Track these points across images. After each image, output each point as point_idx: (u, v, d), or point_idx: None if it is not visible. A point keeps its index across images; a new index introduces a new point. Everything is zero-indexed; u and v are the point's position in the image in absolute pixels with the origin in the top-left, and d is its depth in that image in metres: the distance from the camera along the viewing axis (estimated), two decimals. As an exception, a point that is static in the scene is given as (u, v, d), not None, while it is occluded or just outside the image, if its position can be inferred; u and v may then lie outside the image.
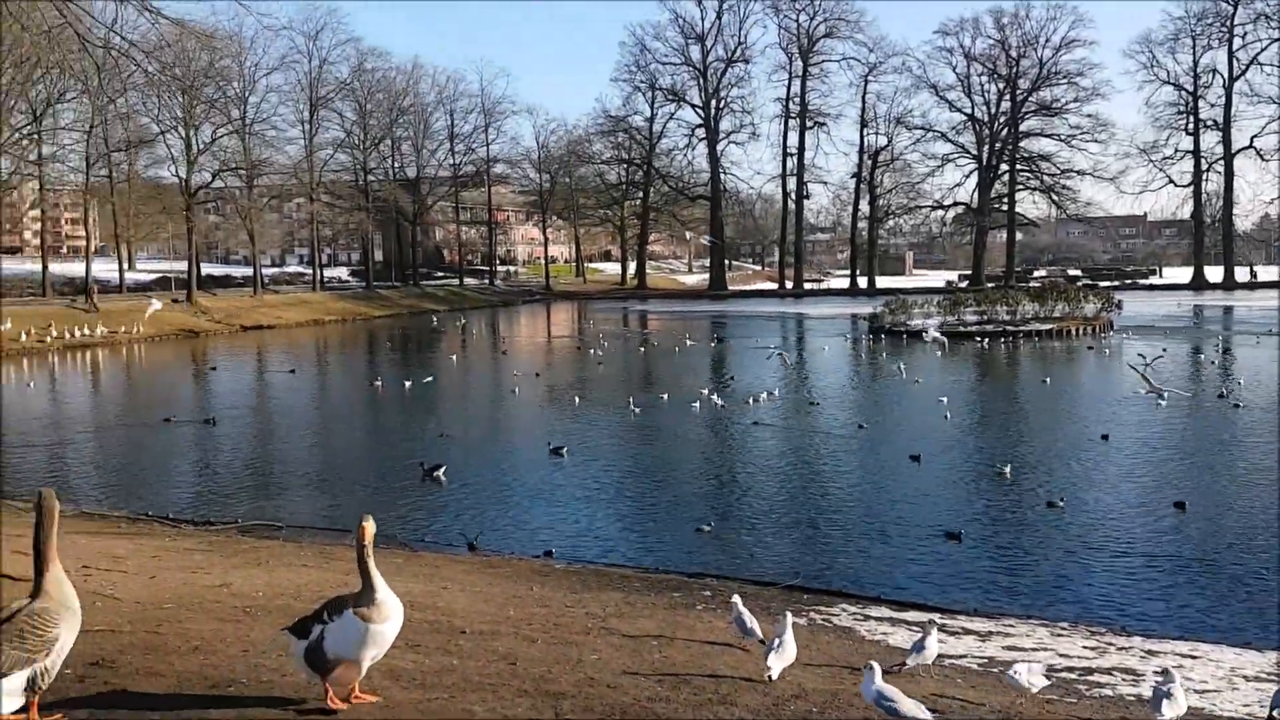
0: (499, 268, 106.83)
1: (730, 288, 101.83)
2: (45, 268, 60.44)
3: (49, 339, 46.40)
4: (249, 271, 75.75)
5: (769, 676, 6.10)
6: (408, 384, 32.31)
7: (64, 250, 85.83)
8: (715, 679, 6.15)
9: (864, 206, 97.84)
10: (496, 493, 17.29)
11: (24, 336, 45.44)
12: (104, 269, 65.71)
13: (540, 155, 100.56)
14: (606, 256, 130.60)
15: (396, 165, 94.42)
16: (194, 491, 18.19)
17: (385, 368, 39.97)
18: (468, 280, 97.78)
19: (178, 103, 61.39)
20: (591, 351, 43.80)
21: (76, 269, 64.90)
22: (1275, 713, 5.69)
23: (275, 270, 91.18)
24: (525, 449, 21.39)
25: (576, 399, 28.23)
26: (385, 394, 31.81)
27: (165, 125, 64.64)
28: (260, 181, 73.24)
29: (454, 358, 44.55)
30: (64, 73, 45.74)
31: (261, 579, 8.57)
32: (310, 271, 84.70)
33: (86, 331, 48.47)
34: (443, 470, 18.55)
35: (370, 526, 4.86)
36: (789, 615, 6.59)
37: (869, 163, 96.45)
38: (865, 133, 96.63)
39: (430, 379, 32.62)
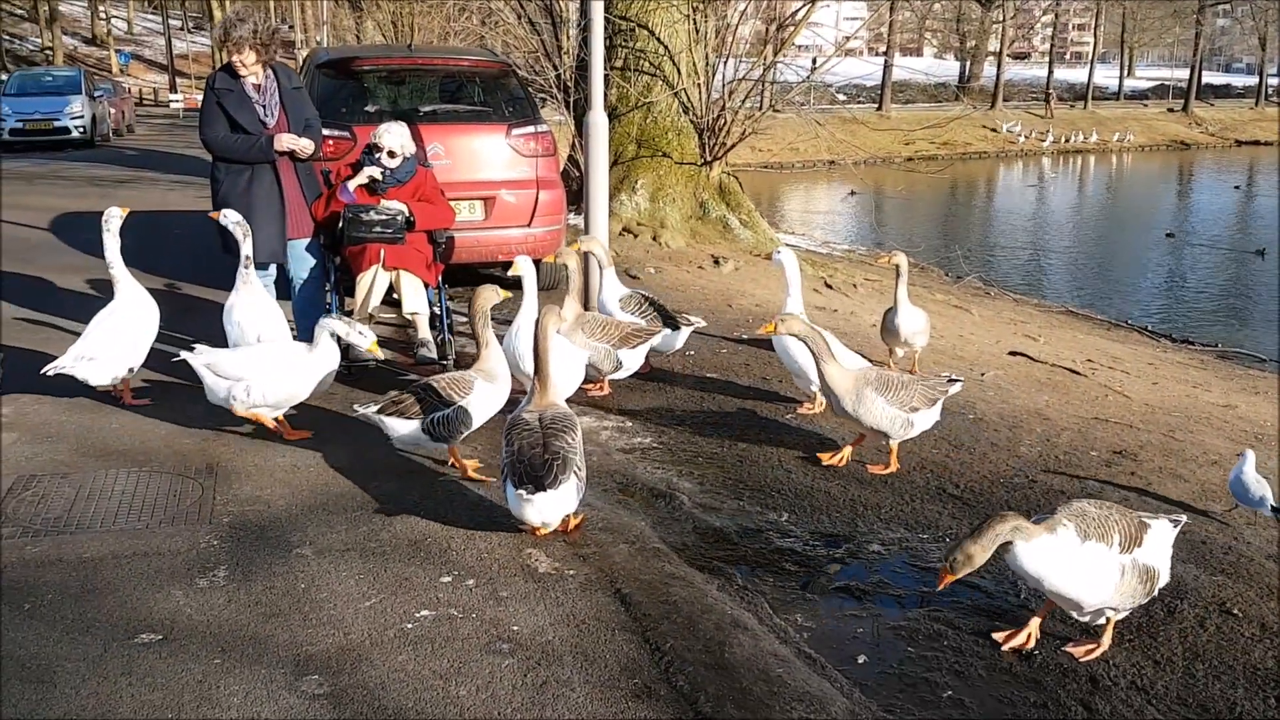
0: None
1: None
2: (1050, 74, 62.74)
3: (1045, 144, 48.67)
4: (1252, 80, 68.25)
5: None
6: None
7: (1067, 56, 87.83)
8: None
9: None
10: None
11: (1022, 140, 48.47)
12: (1104, 76, 65.61)
13: None
14: None
15: None
16: (1167, 307, 17.71)
17: None
18: None
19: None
20: None
21: (1077, 75, 66.03)
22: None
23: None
24: None
25: None
26: None
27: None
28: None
29: None
30: None
31: (1266, 409, 7.96)
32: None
33: (1080, 137, 49.52)
34: None
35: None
36: None
37: None
38: None
39: None
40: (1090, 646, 3.59)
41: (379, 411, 4.71)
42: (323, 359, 5.22)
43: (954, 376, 5.36)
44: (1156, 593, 3.55)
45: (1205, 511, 4.84)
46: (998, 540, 3.29)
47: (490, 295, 4.88)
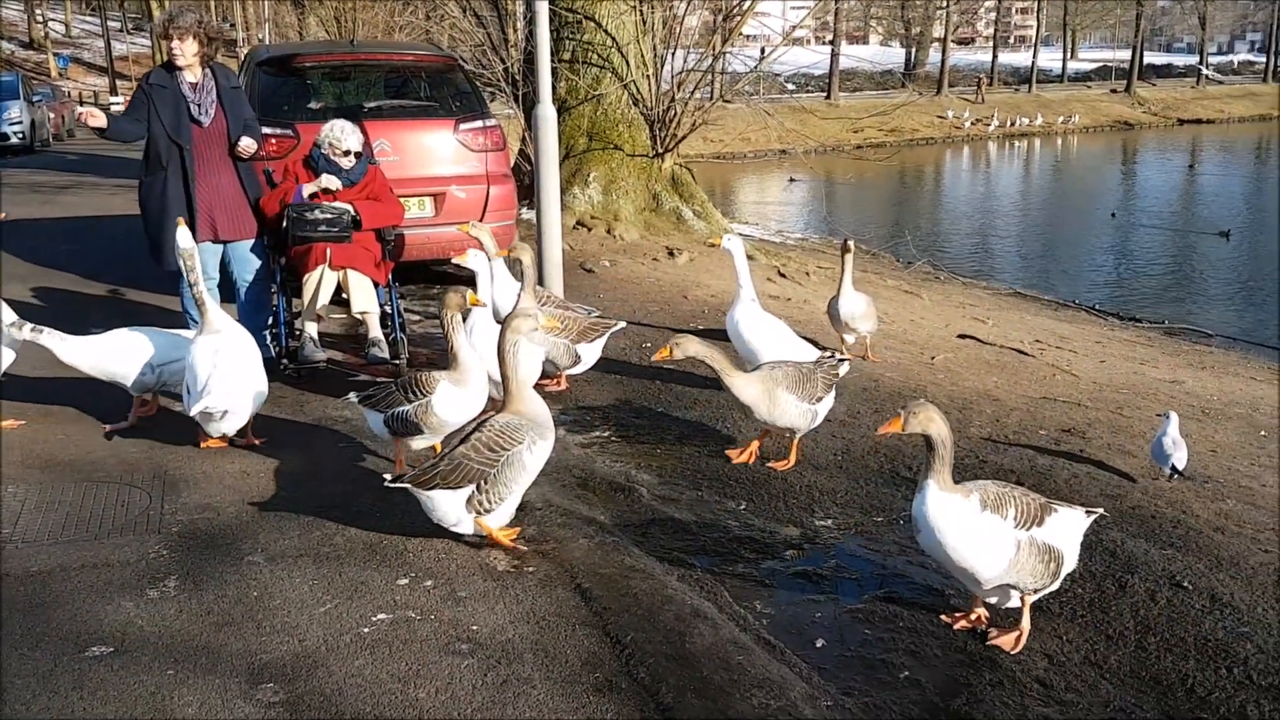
0: None
1: None
2: (994, 58, 63.52)
3: (990, 128, 49.21)
4: (1192, 60, 69.69)
5: None
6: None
7: (1011, 40, 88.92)
8: None
9: None
10: None
11: (968, 125, 48.98)
12: (1047, 59, 66.51)
13: None
14: None
15: None
16: (1114, 287, 18.01)
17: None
18: None
19: None
20: None
21: (1021, 59, 66.92)
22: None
23: (1220, 59, 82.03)
24: None
25: None
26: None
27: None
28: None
29: None
30: None
31: (1212, 383, 8.14)
32: (1264, 60, 74.29)
33: (1025, 121, 50.15)
34: None
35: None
36: None
37: None
38: None
39: None
40: (1015, 634, 3.56)
41: (360, 401, 4.79)
42: (226, 331, 5.17)
43: (841, 356, 5.39)
44: (1062, 577, 3.54)
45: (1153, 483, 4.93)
46: (945, 437, 3.52)
47: (456, 299, 4.63)
